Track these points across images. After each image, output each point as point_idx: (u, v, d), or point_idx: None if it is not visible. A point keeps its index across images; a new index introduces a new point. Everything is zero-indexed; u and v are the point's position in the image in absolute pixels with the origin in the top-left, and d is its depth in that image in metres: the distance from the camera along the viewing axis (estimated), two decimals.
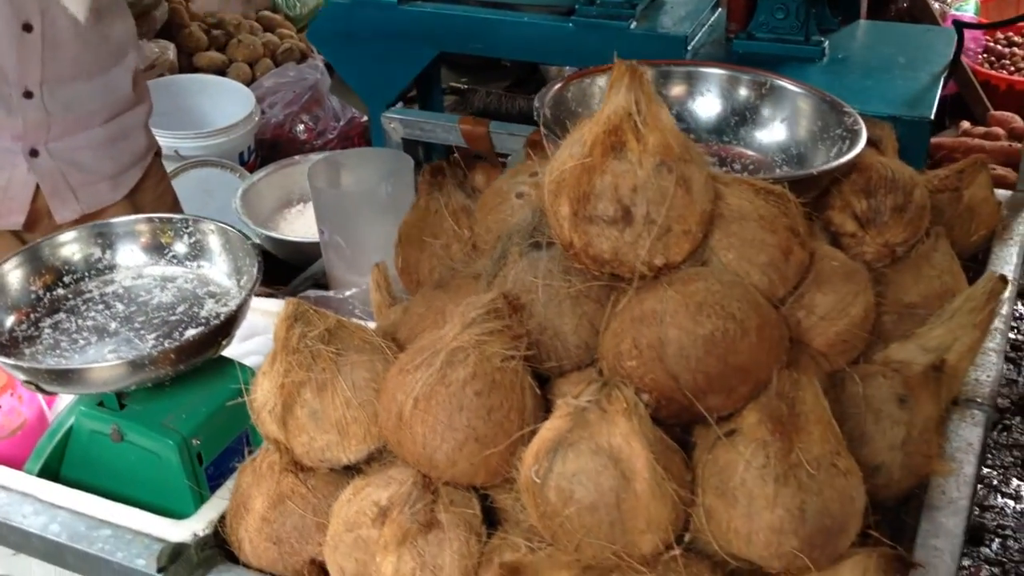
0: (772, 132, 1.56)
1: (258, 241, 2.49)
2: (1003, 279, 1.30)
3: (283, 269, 2.36)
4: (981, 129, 3.51)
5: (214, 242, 1.45)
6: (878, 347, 1.33)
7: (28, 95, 1.85)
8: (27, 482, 1.29)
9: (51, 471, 1.35)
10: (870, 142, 1.57)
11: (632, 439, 1.00)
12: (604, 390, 1.03)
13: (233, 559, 1.20)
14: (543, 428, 1.05)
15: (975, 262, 1.66)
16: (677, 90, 1.59)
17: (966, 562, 2.19)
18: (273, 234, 2.61)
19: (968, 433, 1.32)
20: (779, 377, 1.05)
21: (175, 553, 1.18)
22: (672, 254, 1.09)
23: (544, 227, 1.17)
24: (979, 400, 1.37)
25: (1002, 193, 1.85)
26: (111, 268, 1.45)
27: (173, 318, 1.37)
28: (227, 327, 1.30)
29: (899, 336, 1.34)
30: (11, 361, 1.23)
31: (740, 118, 1.58)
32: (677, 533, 1.05)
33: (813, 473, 1.02)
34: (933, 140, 3.38)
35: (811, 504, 1.02)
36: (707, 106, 1.59)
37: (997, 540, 2.26)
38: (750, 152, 1.57)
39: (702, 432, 1.12)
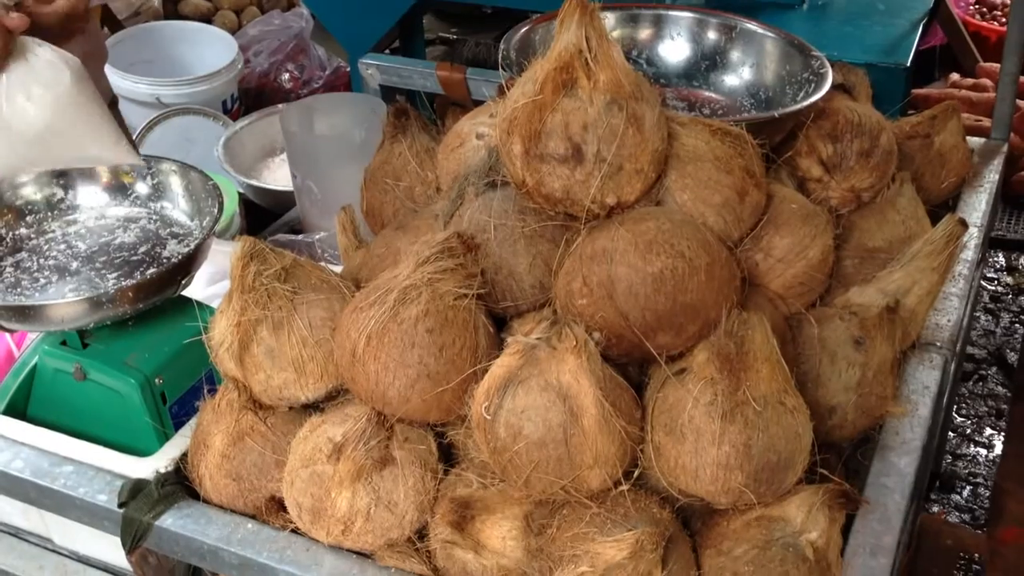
0: (741, 76, 1.55)
1: (241, 189, 2.49)
2: (962, 222, 1.31)
3: (266, 218, 2.35)
4: (969, 81, 3.48)
5: (176, 183, 1.45)
6: (839, 291, 1.34)
7: None
8: None
9: (18, 410, 1.36)
10: (843, 88, 1.57)
11: (581, 376, 1.01)
12: (554, 328, 1.03)
13: (195, 496, 1.22)
14: (494, 365, 1.05)
15: (945, 209, 1.66)
16: (646, 33, 1.58)
17: (935, 508, 2.21)
18: (255, 183, 2.60)
19: (925, 376, 1.33)
20: (728, 316, 1.06)
21: (136, 489, 1.20)
22: (624, 193, 1.09)
23: (500, 167, 1.17)
24: (938, 344, 1.38)
25: (975, 141, 1.84)
26: (73, 208, 1.45)
27: (135, 258, 1.37)
28: (186, 266, 1.30)
29: (860, 280, 1.34)
30: None
31: (710, 62, 1.57)
32: (626, 469, 1.06)
33: (759, 410, 1.03)
34: (920, 91, 3.36)
35: (757, 440, 1.03)
36: (676, 50, 1.58)
37: (968, 488, 2.29)
38: (719, 96, 1.56)
39: (655, 371, 1.13)
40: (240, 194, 2.36)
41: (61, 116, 1.22)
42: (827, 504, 1.07)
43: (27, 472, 1.24)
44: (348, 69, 3.66)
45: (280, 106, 2.90)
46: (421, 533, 1.14)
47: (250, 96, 3.56)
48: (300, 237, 1.79)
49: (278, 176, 2.75)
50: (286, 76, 3.59)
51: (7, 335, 1.46)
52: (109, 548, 1.37)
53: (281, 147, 2.81)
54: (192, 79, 3.21)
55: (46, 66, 1.20)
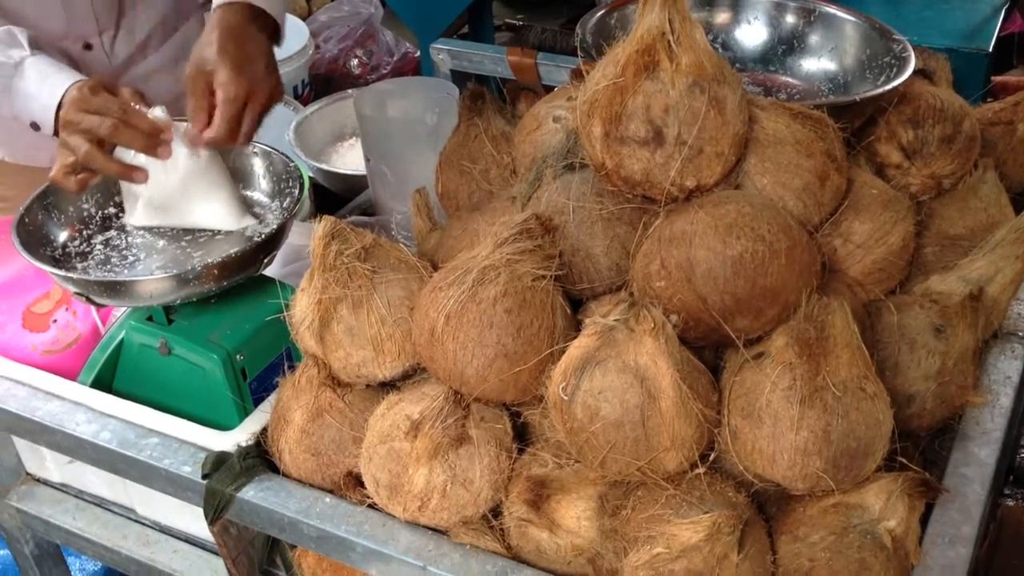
0: (819, 61, 1.53)
1: (311, 173, 2.52)
2: None
3: (335, 202, 2.38)
4: None
5: (258, 165, 1.48)
6: (919, 279, 1.32)
7: (88, 47, 1.85)
8: (80, 392, 1.35)
9: (104, 383, 1.41)
10: (924, 74, 1.54)
11: (659, 358, 1.02)
12: (632, 310, 1.04)
13: (274, 469, 1.25)
14: (572, 346, 1.06)
15: None
16: (723, 17, 1.56)
17: (1009, 503, 2.17)
18: (325, 167, 2.64)
19: (1007, 366, 1.31)
20: (808, 300, 1.05)
21: (219, 461, 1.23)
22: (704, 176, 1.09)
23: (578, 149, 1.18)
24: (1020, 334, 1.36)
25: None
26: None
27: (218, 237, 1.41)
28: (269, 245, 1.33)
29: (941, 268, 1.32)
30: (63, 273, 1.28)
31: (787, 47, 1.55)
32: (702, 452, 1.06)
33: (839, 396, 1.02)
34: (998, 79, 3.28)
35: (836, 426, 1.02)
36: (753, 34, 1.56)
37: None
38: (796, 81, 1.54)
39: (731, 355, 1.12)
40: (310, 178, 2.39)
41: (187, 180, 1.38)
42: (906, 492, 1.06)
43: (114, 443, 1.28)
44: (416, 55, 3.69)
45: (350, 91, 2.92)
46: (495, 511, 1.15)
47: (319, 81, 3.61)
48: (373, 219, 1.82)
49: (347, 160, 2.78)
50: (355, 62, 3.63)
51: (93, 311, 1.51)
52: (189, 519, 1.42)
53: (350, 132, 2.85)
54: None
55: (184, 140, 1.36)
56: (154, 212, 1.42)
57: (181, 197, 1.39)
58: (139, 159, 1.36)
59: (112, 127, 1.31)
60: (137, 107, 1.34)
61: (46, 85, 1.39)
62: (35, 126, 1.43)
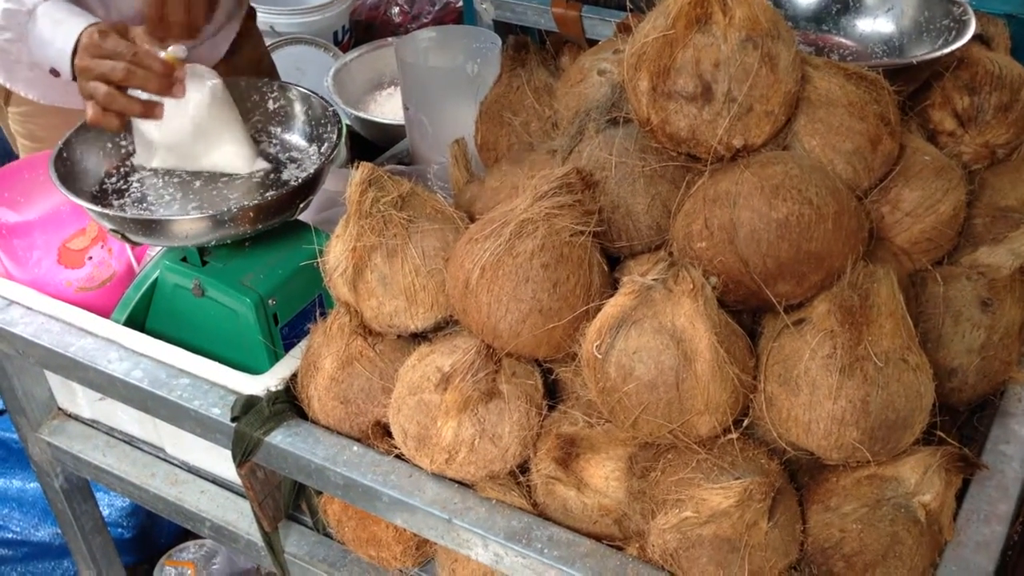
0: (875, 22, 1.48)
1: (348, 121, 2.50)
2: None
3: (372, 151, 2.37)
4: None
5: (298, 108, 1.46)
6: (967, 250, 1.28)
7: None
8: (113, 329, 1.35)
9: (137, 322, 1.41)
10: (982, 40, 1.49)
11: (696, 320, 1.00)
12: (672, 270, 1.02)
13: (303, 415, 1.25)
14: (608, 304, 1.04)
15: None
16: None
17: None
18: (363, 115, 2.62)
19: None
20: (853, 268, 1.02)
21: (248, 405, 1.23)
22: (752, 135, 1.06)
23: (623, 104, 1.15)
24: None
25: None
26: None
27: (255, 180, 1.40)
28: (305, 190, 1.32)
29: (990, 240, 1.29)
30: (99, 209, 1.28)
31: (842, 6, 1.51)
32: (736, 417, 1.05)
33: (880, 366, 1.00)
34: None
35: (876, 397, 1.00)
36: None
37: None
38: (849, 42, 1.50)
39: (770, 320, 1.10)
40: (347, 126, 2.38)
41: (200, 125, 1.36)
42: (943, 467, 1.04)
43: (145, 382, 1.28)
44: (458, 4, 3.64)
45: (390, 39, 2.89)
46: (523, 467, 1.15)
47: (359, 28, 3.57)
48: (410, 168, 1.80)
49: (385, 109, 2.76)
50: (396, 10, 3.58)
51: (128, 249, 1.51)
52: (217, 460, 1.42)
53: (389, 80, 2.82)
54: (305, 9, 3.23)
55: (192, 84, 1.34)
56: (164, 154, 1.41)
57: (191, 139, 1.37)
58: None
59: (125, 71, 1.31)
60: (148, 48, 1.33)
61: (59, 31, 1.39)
62: (55, 72, 1.43)
